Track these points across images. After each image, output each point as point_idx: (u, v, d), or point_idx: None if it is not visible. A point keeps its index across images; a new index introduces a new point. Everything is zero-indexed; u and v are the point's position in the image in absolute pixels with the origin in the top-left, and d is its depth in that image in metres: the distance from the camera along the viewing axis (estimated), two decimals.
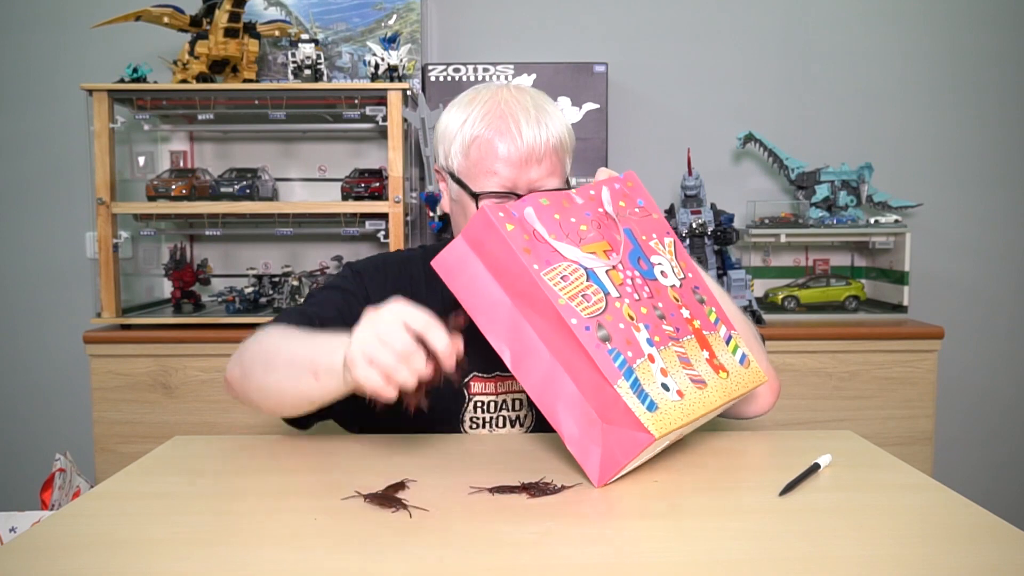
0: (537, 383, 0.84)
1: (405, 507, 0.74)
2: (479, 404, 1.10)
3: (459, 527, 0.71)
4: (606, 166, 1.72)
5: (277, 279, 2.08)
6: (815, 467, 0.85)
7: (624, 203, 0.96)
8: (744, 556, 0.65)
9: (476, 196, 1.03)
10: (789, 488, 0.79)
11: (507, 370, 1.09)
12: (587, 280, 0.84)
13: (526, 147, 1.00)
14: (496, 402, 1.10)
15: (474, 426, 1.10)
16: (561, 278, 0.82)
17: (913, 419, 1.96)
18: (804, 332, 1.94)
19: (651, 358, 0.83)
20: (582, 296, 0.82)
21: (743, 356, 0.94)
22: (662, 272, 0.93)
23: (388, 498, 0.76)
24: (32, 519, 1.19)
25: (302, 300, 1.13)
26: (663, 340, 0.86)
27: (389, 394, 0.76)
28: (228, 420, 1.90)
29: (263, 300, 2.06)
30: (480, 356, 1.09)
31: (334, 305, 1.07)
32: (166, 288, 2.17)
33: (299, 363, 0.88)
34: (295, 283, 2.06)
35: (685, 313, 0.91)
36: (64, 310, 2.30)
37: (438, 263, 0.87)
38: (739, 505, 0.77)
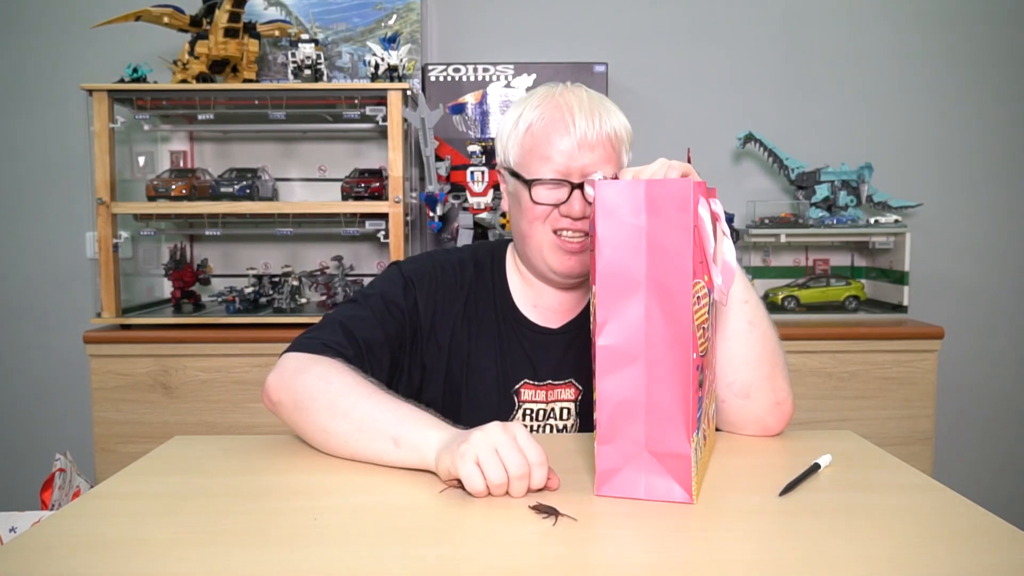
0: (611, 363, 0.75)
1: (559, 514, 0.72)
2: (528, 411, 1.10)
3: (459, 527, 0.71)
4: None
5: (277, 279, 2.08)
6: (815, 467, 0.85)
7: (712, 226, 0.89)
8: (744, 556, 0.65)
9: (530, 183, 1.03)
10: (789, 488, 0.79)
11: (557, 379, 1.10)
12: (707, 312, 0.78)
13: (579, 134, 1.00)
14: (545, 410, 1.10)
15: None
16: (698, 298, 0.74)
17: (913, 419, 1.96)
18: (804, 332, 1.94)
19: (704, 410, 0.80)
20: (703, 328, 0.76)
21: (713, 412, 0.94)
22: (712, 312, 0.88)
23: (542, 508, 0.74)
24: (32, 519, 1.18)
25: (348, 301, 1.10)
26: (706, 391, 0.83)
27: (481, 495, 0.77)
28: (228, 420, 1.90)
29: (263, 300, 2.06)
30: (532, 364, 1.10)
31: (381, 327, 1.04)
32: (166, 288, 2.17)
33: (378, 428, 0.87)
34: (295, 283, 2.06)
35: (713, 361, 0.89)
36: (64, 310, 2.30)
37: (603, 188, 0.75)
38: (739, 505, 0.77)
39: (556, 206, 1.02)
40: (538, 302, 1.12)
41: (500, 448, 0.76)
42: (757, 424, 1.00)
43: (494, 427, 0.78)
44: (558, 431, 1.10)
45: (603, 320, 0.76)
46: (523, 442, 0.77)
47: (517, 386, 1.10)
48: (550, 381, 1.10)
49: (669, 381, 0.74)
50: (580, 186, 1.01)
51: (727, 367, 0.98)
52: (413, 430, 0.85)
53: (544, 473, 0.77)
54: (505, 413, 1.09)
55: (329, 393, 0.91)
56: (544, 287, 1.11)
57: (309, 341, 0.99)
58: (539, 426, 1.10)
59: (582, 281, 1.08)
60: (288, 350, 0.99)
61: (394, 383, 1.05)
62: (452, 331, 1.09)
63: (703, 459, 0.83)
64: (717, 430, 1.02)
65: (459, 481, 0.77)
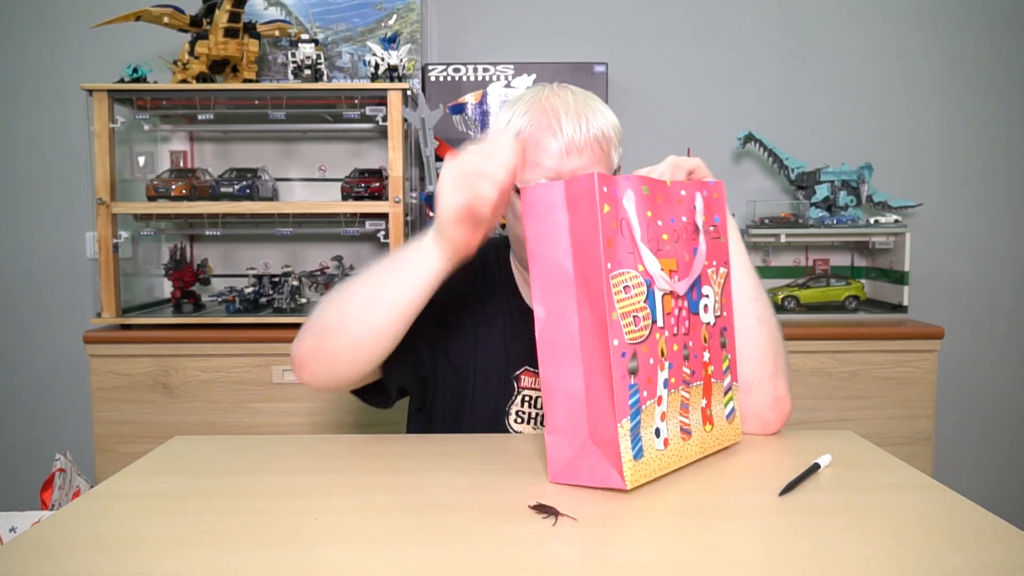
0: (552, 356, 0.81)
1: (559, 514, 0.72)
2: (527, 398, 1.12)
3: (459, 527, 0.71)
4: None
5: (277, 279, 2.08)
6: (815, 467, 0.85)
7: (706, 217, 0.91)
8: (744, 556, 0.65)
9: (518, 190, 1.04)
10: (789, 488, 0.79)
11: None
12: (644, 301, 0.80)
13: (567, 138, 1.02)
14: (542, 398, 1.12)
15: (519, 420, 1.12)
16: (624, 288, 0.78)
17: (913, 419, 1.96)
18: (804, 332, 1.94)
19: (659, 400, 0.81)
20: (633, 317, 0.78)
21: (732, 410, 0.94)
22: (705, 307, 0.90)
23: (542, 508, 0.74)
24: (32, 519, 1.19)
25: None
26: (677, 383, 0.84)
27: (481, 206, 0.83)
28: (228, 420, 1.90)
29: (263, 300, 2.06)
30: (532, 352, 1.11)
31: None
32: (166, 288, 2.17)
33: (379, 273, 0.93)
34: (295, 283, 2.06)
35: (705, 356, 0.89)
36: (64, 310, 2.30)
37: (528, 192, 0.81)
38: (739, 505, 0.77)
39: None
40: None
41: (466, 153, 0.84)
42: (757, 420, 1.01)
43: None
44: None
45: (542, 316, 0.81)
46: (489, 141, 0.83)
47: (518, 372, 1.12)
48: None
49: (599, 371, 0.77)
50: None
51: None
52: (405, 249, 0.92)
53: (500, 165, 0.82)
54: (505, 398, 1.12)
55: (333, 304, 0.97)
56: None
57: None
58: (537, 414, 1.12)
59: None
60: None
61: (411, 348, 1.07)
62: (460, 313, 1.12)
63: (675, 452, 0.83)
64: None
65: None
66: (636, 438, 0.78)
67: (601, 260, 0.76)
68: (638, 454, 0.78)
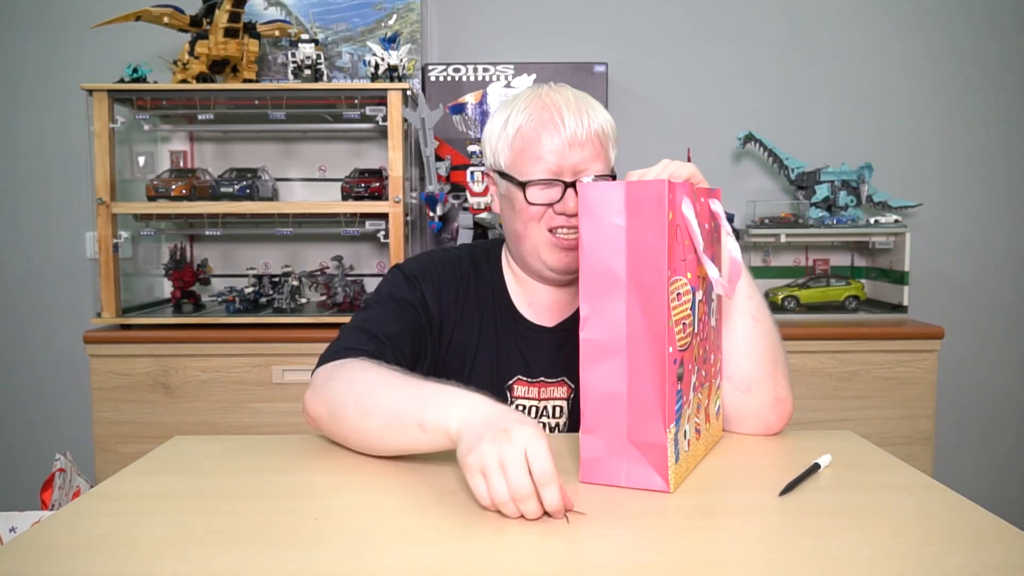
0: (594, 355, 0.80)
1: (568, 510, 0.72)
2: (520, 407, 1.11)
3: (459, 527, 0.71)
4: None
5: (277, 279, 2.08)
6: (815, 467, 0.85)
7: (709, 225, 0.91)
8: (744, 556, 0.65)
9: (523, 185, 1.04)
10: (789, 488, 0.79)
11: (550, 376, 1.12)
12: (690, 308, 0.81)
13: (569, 133, 1.02)
14: (537, 407, 1.11)
15: None
16: (677, 295, 0.78)
17: (913, 419, 1.96)
18: (804, 332, 1.94)
19: (688, 403, 0.83)
20: (683, 324, 0.79)
21: (719, 408, 0.96)
22: (714, 309, 0.92)
23: None
24: (32, 519, 1.18)
25: (360, 310, 1.11)
26: (699, 385, 0.86)
27: (490, 509, 0.74)
28: (228, 420, 1.90)
29: (263, 300, 2.06)
30: (525, 360, 1.11)
31: (397, 320, 1.05)
32: (166, 288, 2.17)
33: (404, 418, 0.85)
34: (295, 283, 2.06)
35: (712, 358, 0.91)
36: (64, 310, 2.30)
37: (586, 190, 0.79)
38: (739, 505, 0.77)
39: (550, 205, 1.03)
40: (532, 300, 1.13)
41: (507, 463, 0.71)
42: (758, 420, 1.01)
43: (506, 435, 0.72)
44: (551, 429, 1.11)
45: (587, 315, 0.80)
46: (533, 456, 0.71)
47: (511, 382, 1.11)
48: (543, 378, 1.11)
49: (647, 374, 0.77)
50: (573, 184, 1.02)
51: (729, 360, 0.99)
52: (436, 413, 0.82)
53: (554, 495, 0.70)
54: None
55: (354, 394, 0.90)
56: (538, 285, 1.12)
57: (331, 352, 1.00)
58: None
59: (575, 278, 1.09)
60: (316, 367, 1.00)
61: (418, 370, 1.05)
62: (453, 324, 1.11)
63: (693, 452, 0.85)
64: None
65: None
66: (677, 443, 0.79)
67: (664, 267, 0.76)
68: (677, 457, 0.80)
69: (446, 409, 0.81)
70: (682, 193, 0.80)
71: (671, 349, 0.77)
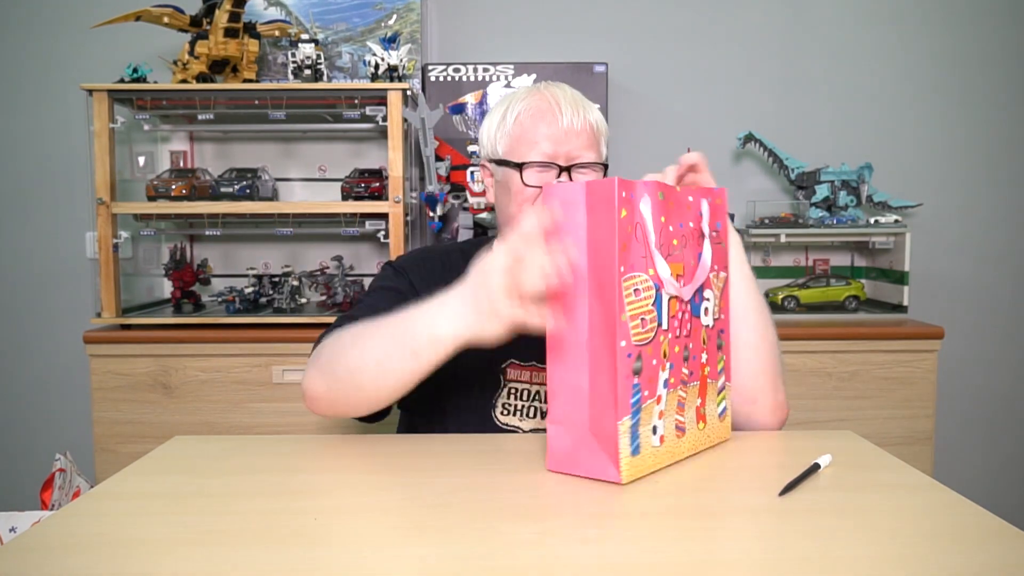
0: (560, 350, 0.83)
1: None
2: (513, 391, 1.12)
3: (459, 527, 0.71)
4: None
5: (277, 279, 2.08)
6: (815, 467, 0.85)
7: (710, 223, 0.93)
8: (744, 556, 0.65)
9: (520, 166, 1.07)
10: (789, 488, 0.79)
11: (542, 362, 1.11)
12: (652, 304, 0.82)
13: (566, 121, 1.07)
14: (530, 391, 1.13)
15: (506, 412, 1.12)
16: (635, 291, 0.81)
17: (913, 419, 1.96)
18: (804, 332, 1.94)
19: (658, 399, 0.84)
20: (641, 319, 0.81)
21: (724, 409, 0.96)
22: (705, 310, 0.92)
23: None
24: (32, 519, 1.18)
25: (352, 307, 1.15)
26: (675, 383, 0.87)
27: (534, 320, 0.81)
28: (228, 420, 1.90)
29: (263, 300, 2.06)
30: (519, 343, 1.11)
31: (386, 307, 1.05)
32: (166, 288, 2.17)
33: (396, 341, 0.89)
34: (295, 283, 2.06)
35: (703, 358, 0.92)
36: (64, 310, 2.30)
37: (550, 189, 0.83)
38: (739, 505, 0.77)
39: None
40: None
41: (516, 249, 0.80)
42: (758, 426, 1.04)
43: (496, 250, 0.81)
44: (542, 414, 1.12)
45: (553, 310, 0.83)
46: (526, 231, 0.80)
47: (504, 365, 1.12)
48: (535, 363, 1.13)
49: (604, 368, 0.80)
50: (568, 169, 1.07)
51: (738, 376, 1.01)
52: (424, 327, 0.87)
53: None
54: (491, 390, 1.12)
55: (344, 349, 0.94)
56: None
57: (323, 336, 1.03)
58: (524, 406, 1.12)
59: None
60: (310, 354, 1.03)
61: None
62: None
63: (670, 449, 0.86)
64: None
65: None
66: (635, 435, 0.81)
67: (615, 263, 0.78)
68: (635, 450, 0.81)
69: (433, 320, 0.87)
70: (643, 191, 0.82)
71: (623, 343, 0.79)
